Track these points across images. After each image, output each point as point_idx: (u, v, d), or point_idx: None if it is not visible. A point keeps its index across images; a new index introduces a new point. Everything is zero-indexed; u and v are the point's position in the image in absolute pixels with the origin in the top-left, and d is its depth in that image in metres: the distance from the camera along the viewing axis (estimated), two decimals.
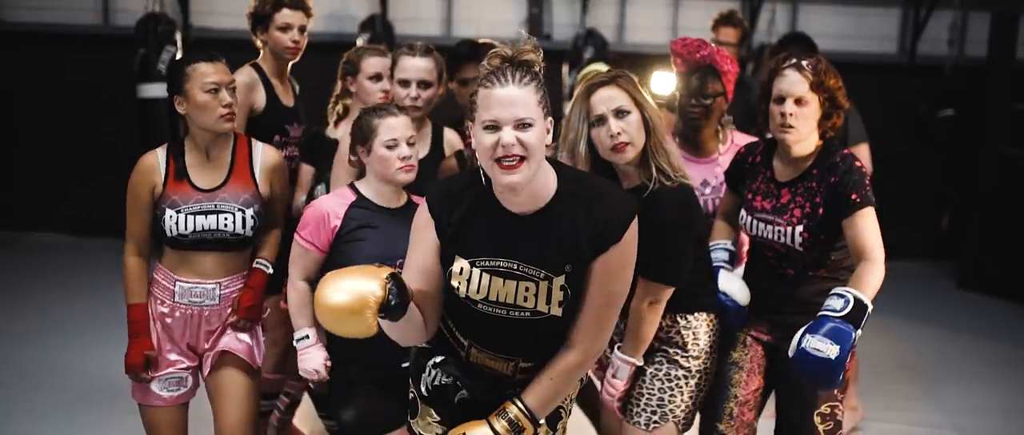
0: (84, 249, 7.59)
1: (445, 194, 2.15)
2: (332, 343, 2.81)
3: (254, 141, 2.99)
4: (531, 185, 2.01)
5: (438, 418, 2.29)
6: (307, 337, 2.80)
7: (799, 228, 2.73)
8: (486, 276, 2.06)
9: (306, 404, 3.90)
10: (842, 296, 2.60)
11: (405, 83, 3.18)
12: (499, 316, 2.09)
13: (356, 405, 2.77)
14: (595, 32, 7.50)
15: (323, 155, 3.38)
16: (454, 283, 2.09)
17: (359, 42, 7.24)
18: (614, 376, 2.74)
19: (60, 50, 7.82)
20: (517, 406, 2.13)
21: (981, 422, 4.54)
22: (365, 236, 2.74)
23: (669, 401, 2.75)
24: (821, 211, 2.72)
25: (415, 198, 2.86)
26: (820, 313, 2.59)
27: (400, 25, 7.63)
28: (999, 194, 7.16)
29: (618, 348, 2.73)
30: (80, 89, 7.86)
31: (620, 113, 2.52)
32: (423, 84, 3.18)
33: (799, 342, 2.55)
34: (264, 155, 2.95)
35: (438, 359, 2.23)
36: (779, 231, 2.76)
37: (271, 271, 2.96)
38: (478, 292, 2.07)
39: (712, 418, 2.84)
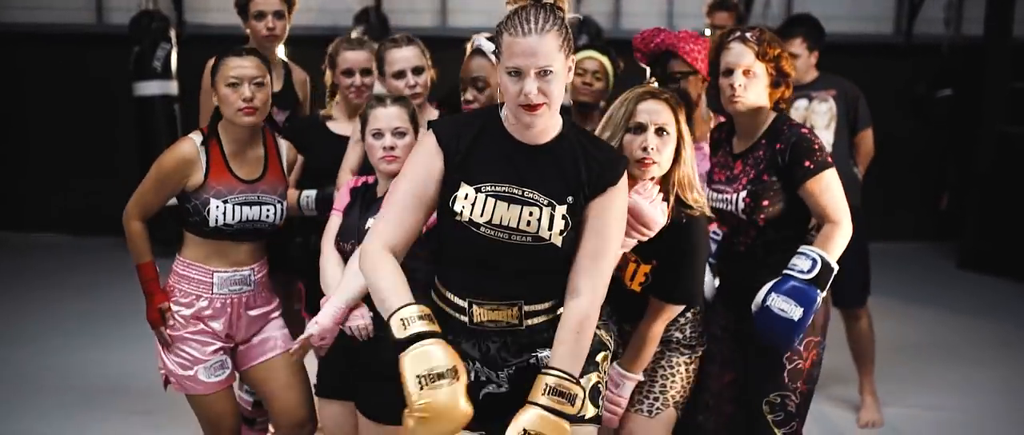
0: (82, 248, 7.60)
1: (453, 126, 2.24)
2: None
3: (279, 139, 3.08)
4: (547, 124, 2.15)
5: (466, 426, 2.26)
6: (343, 302, 2.74)
7: (742, 193, 2.75)
8: (491, 200, 2.13)
9: None
10: (809, 256, 2.63)
11: (400, 74, 3.19)
12: (501, 240, 2.13)
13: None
14: (590, 19, 7.48)
15: (313, 142, 3.38)
16: (457, 208, 2.14)
17: (354, 34, 7.23)
18: (616, 390, 2.72)
19: (55, 49, 7.82)
20: (553, 374, 2.10)
21: (982, 402, 4.54)
22: (349, 215, 2.85)
23: (670, 386, 2.77)
24: (765, 176, 2.73)
25: None
26: (785, 271, 2.63)
27: (395, 17, 7.62)
28: (998, 173, 7.16)
29: (618, 363, 2.70)
30: (76, 88, 7.86)
31: (661, 132, 2.50)
32: (416, 71, 3.20)
33: (764, 299, 2.60)
34: (288, 152, 3.09)
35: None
36: (727, 200, 2.79)
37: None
38: (482, 215, 2.12)
39: (692, 410, 2.86)
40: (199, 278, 2.94)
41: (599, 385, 2.33)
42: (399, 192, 2.20)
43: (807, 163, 2.68)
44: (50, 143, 8.01)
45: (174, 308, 2.94)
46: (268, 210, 2.92)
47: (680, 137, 2.53)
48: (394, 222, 2.18)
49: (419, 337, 2.00)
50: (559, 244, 2.13)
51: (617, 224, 2.21)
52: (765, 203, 2.73)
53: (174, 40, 7.08)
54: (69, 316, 5.68)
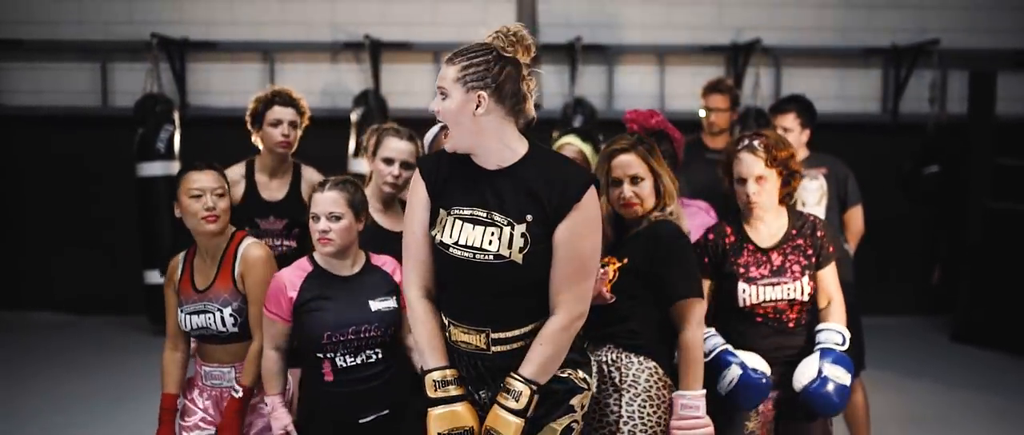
0: (82, 328, 7.62)
1: (433, 159, 2.51)
2: (302, 394, 2.99)
3: (245, 239, 3.15)
4: (490, 144, 2.35)
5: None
6: (269, 405, 2.98)
7: (804, 279, 3.02)
8: (459, 222, 2.35)
9: None
10: (838, 331, 3.02)
11: (389, 162, 3.42)
12: (467, 259, 2.33)
13: None
14: (584, 100, 7.64)
15: (365, 242, 3.48)
16: (433, 232, 2.39)
17: (353, 117, 7.39)
18: (688, 412, 2.72)
19: (59, 131, 7.96)
20: (516, 378, 2.35)
21: None
22: (320, 306, 2.87)
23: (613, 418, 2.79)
24: (813, 260, 3.05)
25: (374, 258, 3.02)
26: (824, 346, 2.98)
27: (393, 99, 7.78)
28: (987, 246, 7.25)
29: (679, 390, 2.75)
30: (78, 169, 7.98)
31: (635, 180, 2.83)
32: (405, 165, 3.41)
33: (820, 372, 2.90)
34: (245, 252, 3.10)
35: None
36: (787, 288, 3.01)
37: (239, 395, 3.06)
38: (451, 236, 2.35)
39: None
40: (197, 368, 3.18)
41: (573, 425, 2.44)
42: (408, 234, 2.45)
43: (831, 248, 3.08)
44: (52, 223, 8.09)
45: (191, 390, 3.18)
46: (209, 318, 3.04)
47: (655, 175, 2.84)
48: (415, 263, 2.45)
49: (448, 400, 2.31)
50: (520, 262, 2.30)
51: (590, 242, 2.36)
52: (813, 284, 3.05)
53: (177, 122, 7.22)
54: (69, 395, 5.69)
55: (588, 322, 2.50)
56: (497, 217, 2.33)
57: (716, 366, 2.91)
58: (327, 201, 2.89)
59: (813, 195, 4.34)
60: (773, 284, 3.01)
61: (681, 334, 2.76)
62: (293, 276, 2.93)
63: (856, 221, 4.44)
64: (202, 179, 3.03)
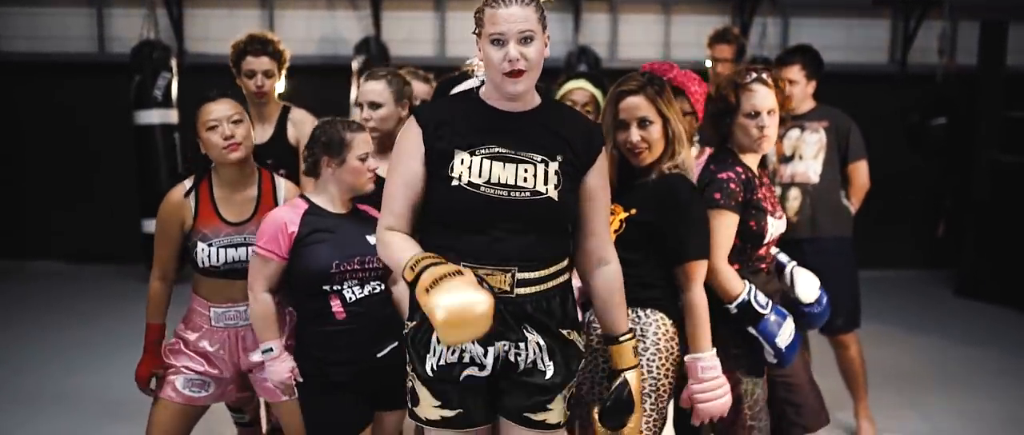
0: (81, 277, 7.62)
1: (431, 107, 2.48)
2: (301, 346, 2.91)
3: (276, 176, 3.10)
4: (529, 91, 2.28)
5: (439, 402, 2.33)
6: (271, 350, 2.88)
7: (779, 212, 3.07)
8: (487, 161, 2.24)
9: None
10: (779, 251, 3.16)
11: (359, 105, 3.34)
12: (501, 197, 2.22)
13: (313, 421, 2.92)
14: (588, 49, 7.55)
15: None
16: (454, 174, 2.24)
17: (354, 65, 7.30)
18: (704, 374, 2.68)
19: (56, 78, 7.87)
20: (626, 339, 2.44)
21: (980, 430, 4.55)
22: (321, 238, 2.84)
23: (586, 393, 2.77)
24: None
25: (359, 205, 2.98)
26: (792, 263, 3.13)
27: (395, 46, 7.68)
28: (993, 201, 7.20)
29: (689, 353, 2.70)
30: (76, 117, 7.92)
31: (643, 123, 2.70)
32: (373, 105, 3.28)
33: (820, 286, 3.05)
34: (287, 190, 3.09)
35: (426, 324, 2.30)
36: (781, 222, 3.02)
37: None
38: (480, 175, 2.23)
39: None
40: (201, 310, 3.05)
41: (573, 389, 2.43)
42: (391, 181, 2.33)
43: None
44: (50, 172, 8.05)
45: (186, 332, 3.06)
46: (245, 252, 2.96)
47: (665, 119, 2.71)
48: (390, 212, 2.32)
49: (424, 268, 2.09)
50: (556, 198, 2.25)
51: (605, 189, 2.41)
52: None
53: (175, 69, 7.13)
54: (68, 343, 5.69)
55: None
56: (527, 154, 2.25)
57: (775, 323, 2.81)
58: (224, 108, 2.93)
59: (812, 148, 4.27)
60: (778, 218, 3.01)
61: (687, 294, 2.69)
62: (290, 213, 2.87)
63: (860, 176, 4.36)
64: (216, 108, 2.95)
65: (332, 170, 2.88)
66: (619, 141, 2.73)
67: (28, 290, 7.17)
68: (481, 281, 2.14)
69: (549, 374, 2.32)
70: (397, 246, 2.25)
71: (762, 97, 2.90)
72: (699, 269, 2.70)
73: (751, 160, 2.97)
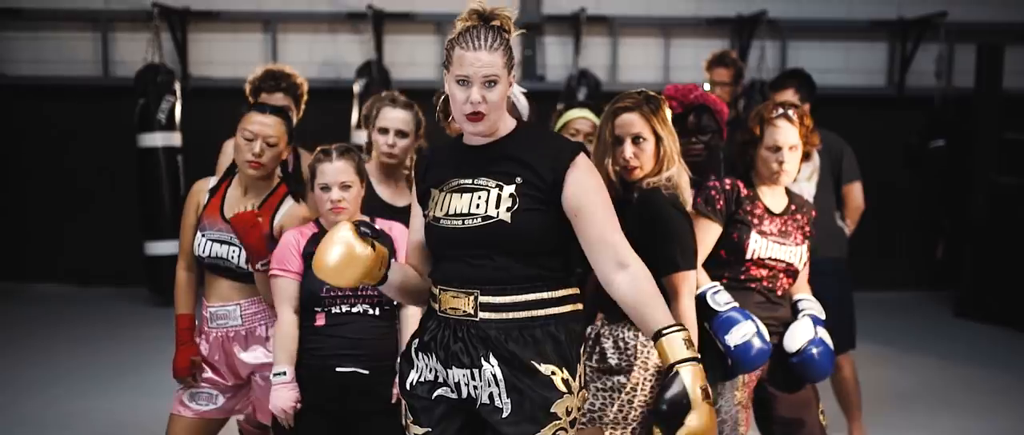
0: (84, 299, 7.63)
1: (428, 151, 2.57)
2: (302, 384, 2.92)
3: (289, 198, 3.12)
4: (491, 130, 2.31)
5: (412, 418, 2.37)
6: (284, 373, 2.89)
7: (803, 248, 3.11)
8: (447, 195, 2.33)
9: None
10: (816, 303, 3.16)
11: (383, 131, 3.38)
12: (456, 227, 2.28)
13: None
14: (588, 72, 7.60)
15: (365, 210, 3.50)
16: (428, 211, 2.37)
17: (355, 88, 7.35)
18: None
19: (60, 102, 7.93)
20: (673, 330, 2.17)
21: None
22: None
23: (600, 409, 2.78)
24: (806, 236, 3.15)
25: (380, 222, 3.02)
26: (812, 313, 3.08)
27: (396, 70, 7.74)
28: (991, 222, 7.23)
29: None
30: (80, 140, 7.96)
31: (637, 140, 2.76)
32: (400, 134, 3.36)
33: (817, 334, 3.01)
34: (289, 211, 3.08)
35: (416, 342, 2.39)
36: (790, 251, 3.07)
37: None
38: (440, 209, 2.32)
39: None
40: (202, 313, 3.12)
41: (559, 433, 2.28)
42: (412, 229, 2.49)
43: (813, 232, 3.25)
44: (53, 193, 8.08)
45: (198, 339, 3.11)
46: (234, 251, 3.01)
47: (658, 137, 2.76)
48: (410, 245, 2.49)
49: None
50: (508, 220, 2.23)
51: (601, 199, 2.28)
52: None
53: (178, 93, 7.19)
54: (71, 365, 5.71)
55: (599, 297, 2.46)
56: (483, 181, 2.29)
57: (728, 320, 2.85)
58: (337, 171, 2.90)
59: (805, 170, 4.29)
60: (780, 243, 3.05)
61: (674, 307, 2.68)
62: (299, 235, 2.95)
63: (854, 197, 4.40)
64: (257, 125, 2.98)
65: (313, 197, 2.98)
66: (615, 157, 2.79)
67: (31, 312, 7.18)
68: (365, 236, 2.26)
69: (505, 413, 2.22)
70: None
71: (784, 133, 3.01)
72: (683, 281, 2.71)
73: (770, 191, 3.09)
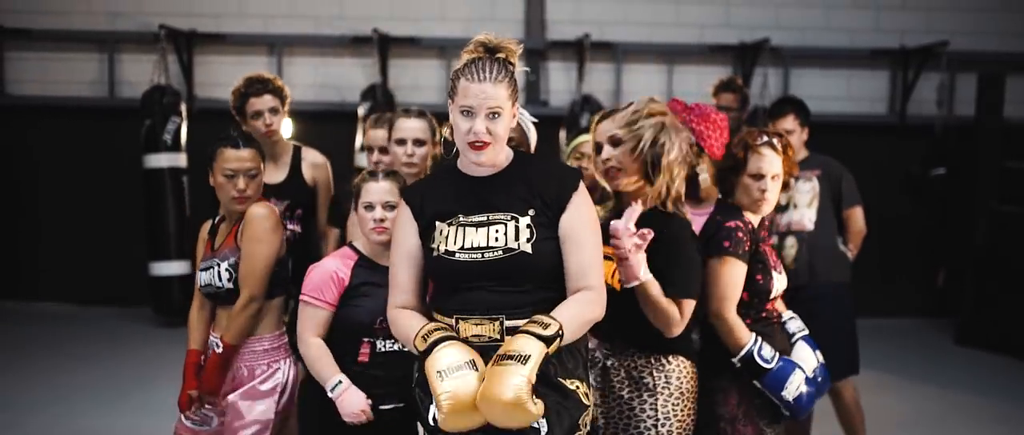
0: (88, 319, 7.64)
1: (415, 186, 2.56)
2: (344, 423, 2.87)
3: (254, 205, 3.12)
4: (493, 160, 2.37)
5: None
6: (341, 382, 2.84)
7: (785, 274, 3.09)
8: (461, 229, 2.35)
9: None
10: (794, 317, 3.10)
11: (401, 142, 3.45)
12: (476, 260, 2.31)
13: None
14: (591, 98, 7.64)
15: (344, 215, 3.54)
16: (433, 245, 2.36)
17: (360, 111, 7.39)
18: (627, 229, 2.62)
19: (66, 122, 7.98)
20: (545, 314, 2.25)
21: None
22: (368, 292, 2.88)
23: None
24: None
25: None
26: (805, 333, 3.05)
27: (400, 93, 7.78)
28: (993, 250, 7.24)
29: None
30: (85, 160, 7.99)
31: (614, 141, 2.77)
32: (418, 142, 3.44)
33: (819, 361, 3.00)
34: (249, 210, 3.08)
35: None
36: (783, 279, 3.05)
37: (219, 350, 3.07)
38: (455, 243, 2.33)
39: None
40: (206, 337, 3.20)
41: None
42: (394, 257, 2.48)
43: None
44: (58, 213, 8.11)
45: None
46: (212, 274, 3.07)
47: (637, 138, 2.74)
48: (397, 288, 2.46)
49: (438, 342, 2.21)
50: (530, 251, 2.30)
51: (591, 231, 2.38)
52: None
53: (184, 114, 7.23)
54: (74, 385, 5.71)
55: (608, 322, 2.47)
56: (497, 215, 2.34)
57: (780, 375, 2.84)
58: (382, 191, 2.92)
59: (805, 196, 4.34)
60: (780, 273, 3.04)
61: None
62: (341, 264, 2.93)
63: (856, 222, 4.43)
64: (236, 160, 3.03)
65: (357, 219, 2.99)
66: (597, 166, 2.81)
67: (35, 331, 7.19)
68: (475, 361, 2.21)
69: (543, 432, 2.27)
70: (404, 323, 2.40)
71: (769, 162, 2.96)
72: (684, 308, 2.69)
73: (754, 220, 3.03)
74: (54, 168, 8.07)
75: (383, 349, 2.86)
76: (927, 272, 8.12)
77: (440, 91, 8.07)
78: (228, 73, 7.91)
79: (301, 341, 2.92)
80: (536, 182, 2.36)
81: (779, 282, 3.00)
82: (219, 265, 3.05)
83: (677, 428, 2.75)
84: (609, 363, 2.82)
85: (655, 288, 2.64)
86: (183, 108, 7.24)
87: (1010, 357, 6.86)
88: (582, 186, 2.40)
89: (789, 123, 4.31)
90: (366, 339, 2.86)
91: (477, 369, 2.18)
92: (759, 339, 2.86)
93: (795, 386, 2.84)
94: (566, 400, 2.32)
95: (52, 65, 8.03)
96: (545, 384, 2.27)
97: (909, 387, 6.07)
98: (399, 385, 2.75)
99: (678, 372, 2.76)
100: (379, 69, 7.77)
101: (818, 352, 3.06)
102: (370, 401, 2.83)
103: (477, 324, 2.32)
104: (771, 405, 2.89)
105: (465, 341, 2.30)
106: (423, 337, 2.26)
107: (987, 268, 7.26)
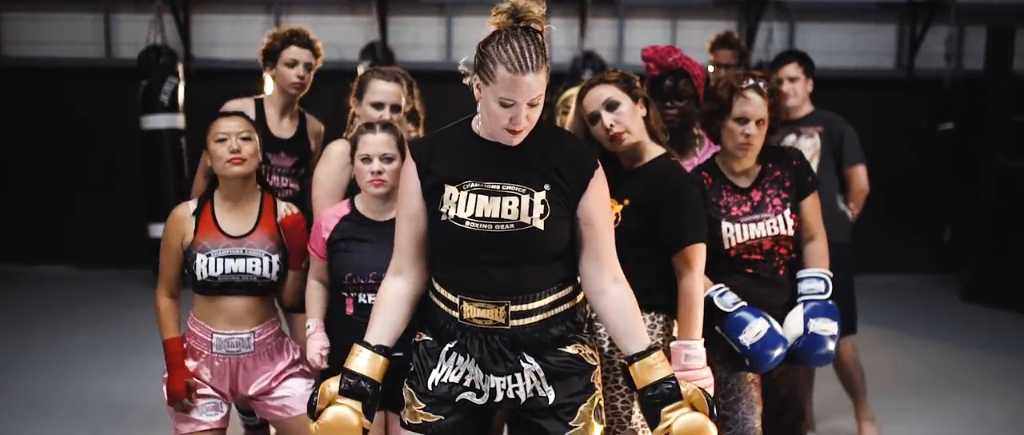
0: (87, 281, 7.64)
1: (425, 142, 2.44)
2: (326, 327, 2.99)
3: (278, 200, 3.11)
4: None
5: (424, 406, 2.37)
6: (310, 326, 2.97)
7: (786, 212, 2.98)
8: (472, 196, 2.27)
9: None
10: (820, 278, 3.00)
11: (378, 106, 3.31)
12: (486, 231, 2.24)
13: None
14: (593, 54, 7.56)
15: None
16: (443, 209, 2.28)
17: (360, 70, 7.30)
18: (689, 362, 2.62)
19: (62, 83, 7.90)
20: (641, 360, 2.27)
21: (984, 434, 4.54)
22: (348, 248, 2.90)
23: (622, 409, 2.73)
24: (794, 191, 3.01)
25: None
26: (806, 297, 2.94)
27: (400, 51, 7.70)
28: (1000, 205, 7.18)
29: (677, 338, 2.66)
30: (82, 121, 7.94)
31: (610, 105, 2.69)
32: (394, 108, 3.32)
33: (806, 327, 2.88)
34: (284, 211, 3.07)
35: (449, 347, 2.34)
36: (770, 223, 2.96)
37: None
38: (465, 210, 2.26)
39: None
40: (201, 336, 3.01)
41: (599, 402, 2.39)
42: (398, 217, 2.41)
43: (810, 178, 3.04)
44: (56, 175, 8.07)
45: (187, 361, 3.02)
46: (254, 263, 2.96)
47: (633, 97, 2.71)
48: (397, 250, 2.41)
49: (345, 392, 2.31)
50: (541, 228, 2.24)
51: (605, 212, 2.35)
52: (796, 216, 3.00)
53: (181, 74, 7.15)
54: (74, 347, 5.71)
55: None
56: (512, 187, 2.26)
57: (739, 321, 2.81)
58: (380, 142, 2.89)
59: (806, 153, 4.26)
60: (755, 221, 2.95)
61: (683, 280, 2.66)
62: (330, 216, 2.97)
63: (858, 181, 4.34)
64: (228, 124, 2.99)
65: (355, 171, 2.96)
66: (597, 134, 2.71)
67: (34, 294, 7.19)
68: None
69: (552, 398, 2.32)
70: (376, 312, 2.41)
71: (754, 106, 2.89)
72: (698, 253, 2.66)
73: (737, 164, 2.97)
74: (51, 129, 8.01)
75: (365, 301, 2.86)
76: (934, 228, 8.07)
77: (440, 49, 7.98)
78: (225, 33, 7.85)
79: (309, 281, 3.02)
80: (554, 156, 2.29)
81: (736, 231, 2.93)
82: (269, 257, 2.96)
83: None
84: (592, 316, 2.75)
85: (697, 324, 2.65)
86: (180, 68, 7.16)
87: (1017, 313, 6.84)
88: (600, 169, 2.34)
89: (792, 70, 4.24)
90: (344, 293, 2.89)
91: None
92: (725, 288, 2.87)
93: (754, 333, 2.79)
94: (569, 366, 2.34)
95: (48, 25, 7.94)
96: (547, 356, 2.32)
97: (914, 343, 6.04)
98: None
99: (659, 329, 2.73)
100: (378, 27, 7.68)
101: (816, 320, 2.93)
102: (324, 352, 2.91)
103: (482, 307, 2.28)
104: (733, 354, 2.84)
105: (469, 322, 2.30)
106: (350, 359, 2.35)
107: (994, 224, 7.21)
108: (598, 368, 2.42)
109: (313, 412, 2.33)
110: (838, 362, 4.30)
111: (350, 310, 2.89)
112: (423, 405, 2.36)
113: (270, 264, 2.97)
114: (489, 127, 2.26)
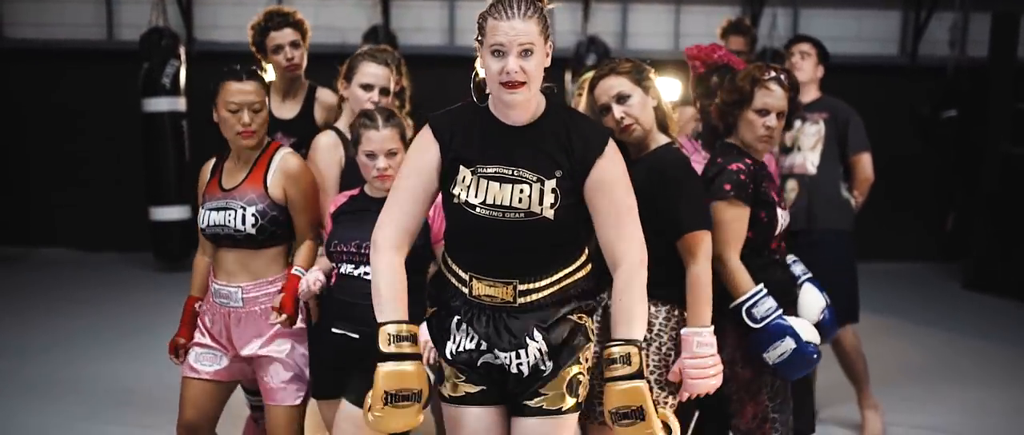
0: (88, 264, 7.63)
1: (447, 117, 2.39)
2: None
3: (281, 149, 3.08)
4: (528, 103, 2.27)
5: (465, 378, 2.41)
6: (300, 270, 3.01)
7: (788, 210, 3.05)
8: (484, 181, 2.28)
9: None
10: (796, 259, 3.08)
11: (367, 87, 3.26)
12: (496, 218, 2.26)
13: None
14: (597, 39, 7.53)
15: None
16: (455, 191, 2.30)
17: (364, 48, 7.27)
18: (699, 350, 2.61)
19: (64, 66, 7.88)
20: (614, 344, 2.29)
21: (987, 423, 4.53)
22: (339, 220, 2.94)
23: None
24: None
25: None
26: (809, 276, 3.05)
27: (403, 35, 7.67)
28: (1003, 193, 7.17)
29: (687, 326, 2.65)
30: (84, 104, 7.92)
31: (621, 98, 2.69)
32: (384, 91, 3.26)
33: (827, 304, 2.98)
34: (282, 161, 3.03)
35: (457, 318, 2.39)
36: (786, 215, 2.99)
37: (304, 275, 3.01)
38: (477, 196, 2.27)
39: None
40: (209, 283, 3.08)
41: (579, 376, 2.38)
42: (401, 185, 2.38)
43: None
44: (57, 158, 8.06)
45: (202, 305, 3.12)
46: (230, 215, 2.95)
47: (644, 89, 2.70)
48: (398, 212, 2.37)
49: (400, 356, 2.24)
50: (552, 217, 2.26)
51: (623, 189, 2.33)
52: None
53: (183, 57, 7.13)
54: (75, 330, 5.71)
55: (598, 267, 2.43)
56: (525, 174, 2.27)
57: (768, 335, 2.78)
58: (384, 138, 2.87)
59: (809, 139, 4.25)
60: (784, 210, 2.98)
61: (690, 268, 2.65)
62: (341, 197, 3.03)
63: (863, 169, 4.32)
64: (240, 93, 2.94)
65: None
66: (608, 125, 2.69)
67: (36, 277, 7.18)
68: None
69: (547, 372, 2.36)
70: (383, 286, 2.33)
71: (776, 98, 2.88)
72: (700, 240, 2.64)
73: (755, 155, 2.94)
74: (51, 112, 7.99)
75: (345, 272, 2.88)
76: (936, 216, 8.06)
77: (443, 32, 7.95)
78: (227, 15, 7.82)
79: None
80: (567, 140, 2.29)
81: (783, 218, 2.94)
82: (243, 209, 2.95)
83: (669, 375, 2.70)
84: (610, 304, 2.74)
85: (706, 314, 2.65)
86: (182, 51, 7.14)
87: (1019, 301, 6.84)
88: (609, 147, 2.32)
89: (806, 47, 4.26)
90: (335, 264, 2.92)
91: (420, 401, 2.26)
92: (757, 296, 2.79)
93: (778, 352, 2.78)
94: (570, 336, 2.36)
95: (49, 7, 7.91)
96: (553, 330, 2.35)
97: (916, 331, 6.04)
98: (355, 311, 2.80)
99: (664, 317, 2.71)
100: (381, 10, 7.65)
101: (825, 294, 3.01)
102: (317, 281, 2.92)
103: (491, 285, 2.32)
104: (760, 359, 2.84)
105: (477, 299, 2.33)
106: (388, 335, 2.27)
107: (997, 211, 7.20)
108: (591, 344, 2.42)
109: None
110: (840, 350, 4.29)
111: (334, 280, 2.93)
112: (463, 377, 2.39)
113: (243, 217, 2.94)
114: (493, 93, 2.27)
